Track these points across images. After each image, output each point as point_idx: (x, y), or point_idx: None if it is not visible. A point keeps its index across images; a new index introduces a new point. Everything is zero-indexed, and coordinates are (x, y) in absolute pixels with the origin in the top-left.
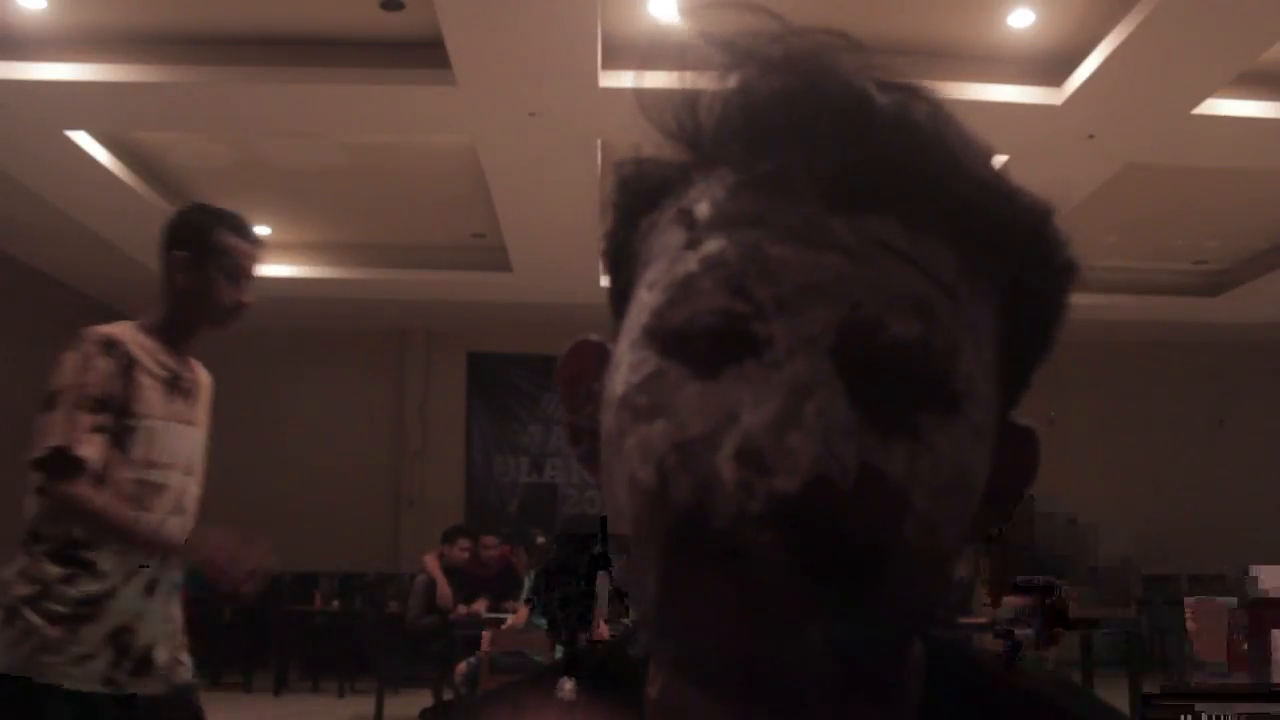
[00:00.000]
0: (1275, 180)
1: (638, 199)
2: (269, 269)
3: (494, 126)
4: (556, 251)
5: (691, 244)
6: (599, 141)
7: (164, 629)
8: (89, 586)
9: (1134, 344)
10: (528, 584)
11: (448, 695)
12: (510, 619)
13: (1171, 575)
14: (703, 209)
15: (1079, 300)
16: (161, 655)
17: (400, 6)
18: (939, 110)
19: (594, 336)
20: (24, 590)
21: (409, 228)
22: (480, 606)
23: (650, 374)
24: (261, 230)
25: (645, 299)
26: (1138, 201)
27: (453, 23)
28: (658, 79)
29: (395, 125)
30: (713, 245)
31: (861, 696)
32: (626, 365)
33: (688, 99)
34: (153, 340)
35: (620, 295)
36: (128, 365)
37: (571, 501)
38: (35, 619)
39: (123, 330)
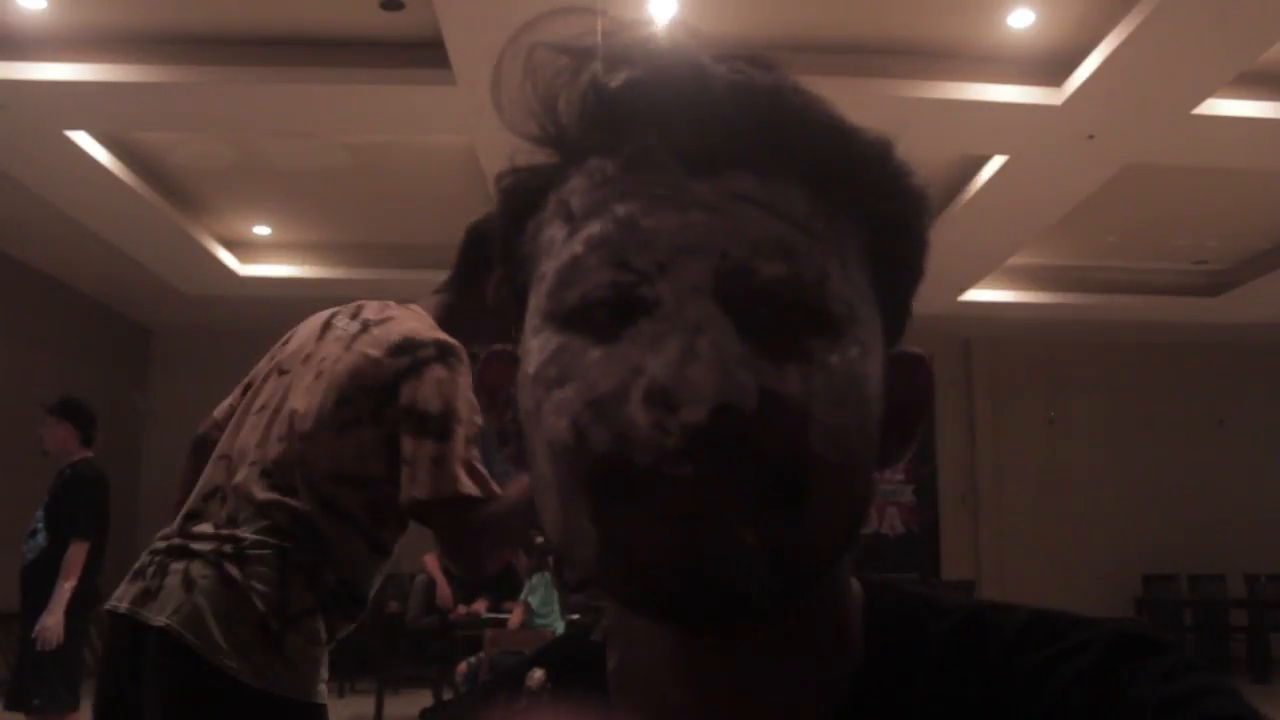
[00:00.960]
0: (1275, 180)
1: (520, 204)
2: (269, 269)
3: (494, 126)
4: None
5: (572, 232)
6: None
7: None
8: (346, 626)
9: (1134, 344)
10: (527, 585)
11: (448, 695)
12: (510, 619)
13: (1171, 575)
14: (577, 200)
15: (1079, 300)
16: None
17: (400, 6)
18: (776, 69)
19: (503, 347)
20: (307, 597)
21: (409, 228)
22: (480, 606)
23: (555, 349)
24: (262, 230)
25: (540, 289)
26: (1138, 201)
27: (452, 23)
28: (518, 91)
29: (395, 125)
30: (593, 227)
31: (802, 612)
32: (534, 349)
33: (546, 104)
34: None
35: (519, 297)
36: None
37: None
38: (317, 634)
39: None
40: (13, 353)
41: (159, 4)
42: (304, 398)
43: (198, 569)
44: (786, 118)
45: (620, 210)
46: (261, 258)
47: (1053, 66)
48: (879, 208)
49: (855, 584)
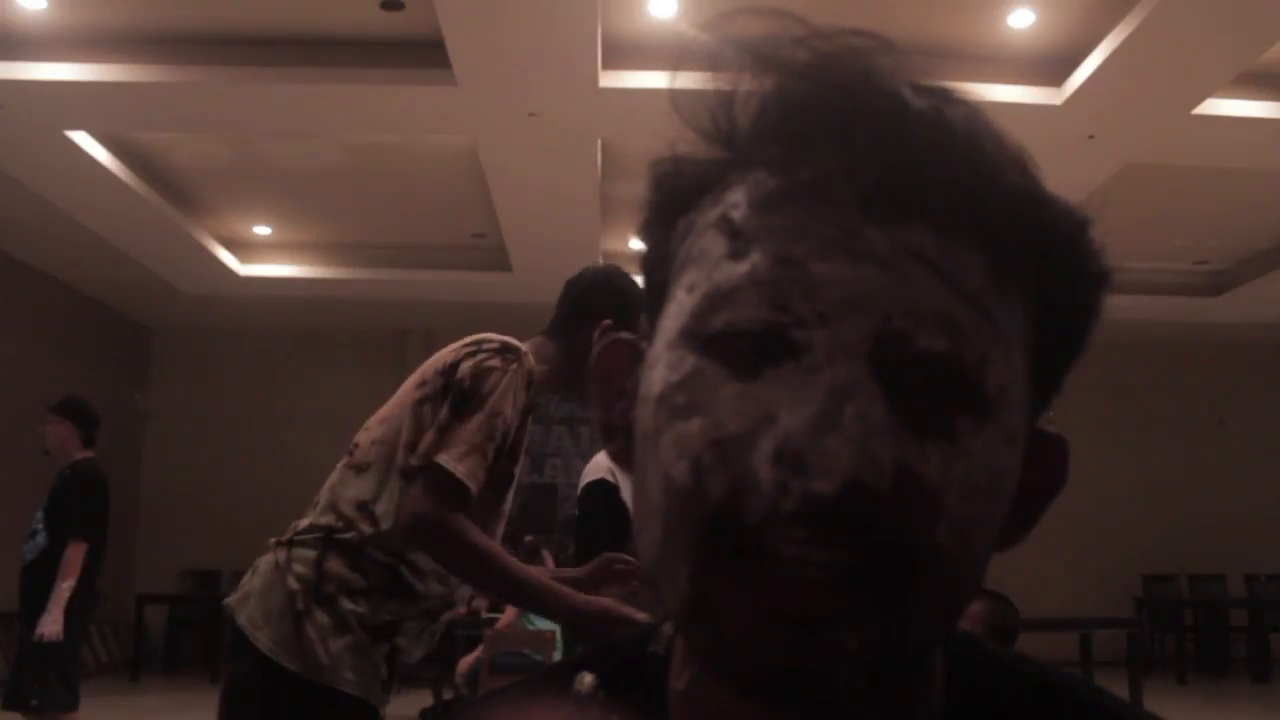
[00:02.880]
0: (1275, 180)
1: (674, 198)
2: (269, 269)
3: (494, 126)
4: (556, 251)
5: (734, 254)
6: (599, 141)
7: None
8: (401, 610)
9: (1134, 344)
10: None
11: (448, 695)
12: (501, 619)
13: (1171, 575)
14: (743, 215)
15: None
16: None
17: (400, 6)
18: (974, 115)
19: (626, 334)
20: (346, 579)
21: (409, 228)
22: (480, 606)
23: (688, 373)
24: (262, 230)
25: (684, 301)
26: (1138, 201)
27: (453, 23)
28: (661, 80)
29: (395, 125)
30: (756, 258)
31: (888, 697)
32: (664, 364)
33: (723, 99)
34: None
35: (656, 294)
36: (529, 407)
37: (571, 501)
38: (352, 616)
39: (532, 360)
40: (13, 353)
41: (159, 4)
42: (397, 395)
43: (265, 559)
44: (980, 174)
45: (787, 245)
46: (261, 258)
47: (1053, 66)
48: (1059, 288)
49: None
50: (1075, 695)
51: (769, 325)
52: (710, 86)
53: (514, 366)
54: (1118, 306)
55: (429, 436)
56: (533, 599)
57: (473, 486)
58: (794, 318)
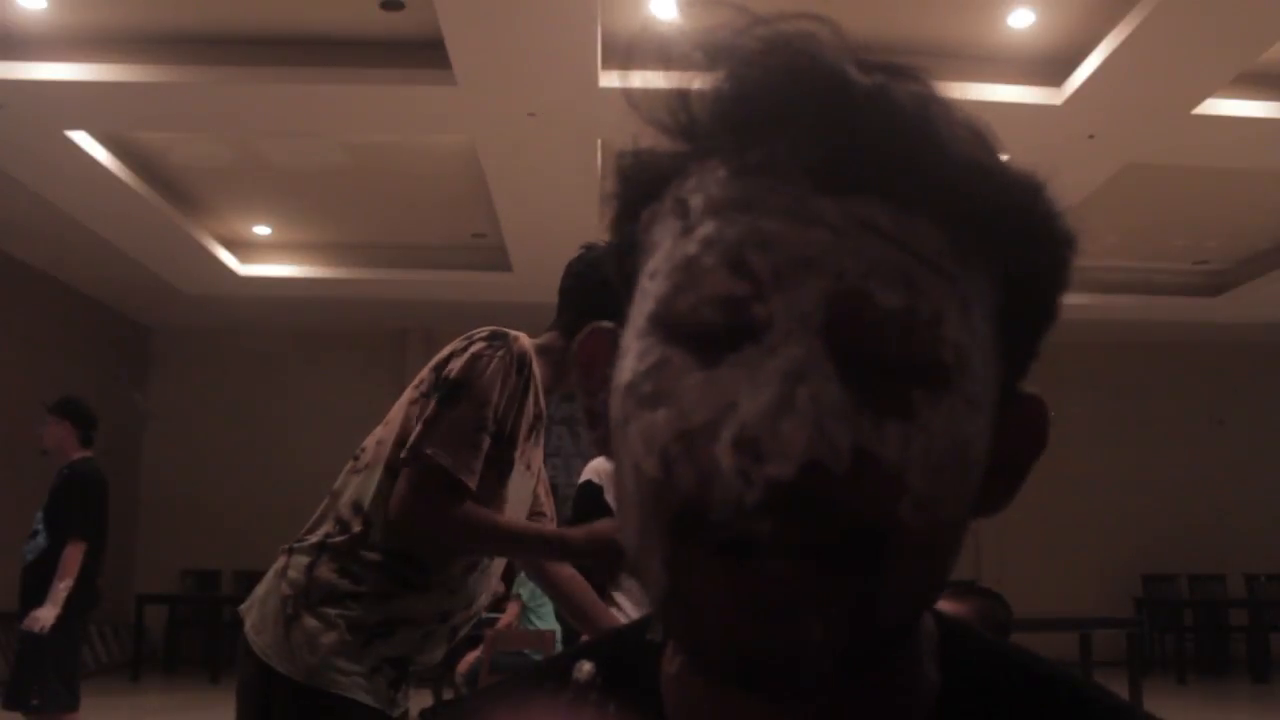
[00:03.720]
0: (1275, 180)
1: (638, 190)
2: (269, 269)
3: (494, 126)
4: (556, 251)
5: (687, 230)
6: (599, 141)
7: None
8: (404, 610)
9: (1134, 344)
10: (518, 579)
11: (448, 695)
12: (502, 618)
13: (1171, 575)
14: (697, 199)
15: (1079, 300)
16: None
17: (400, 6)
18: (923, 90)
19: (606, 323)
20: (336, 583)
21: (409, 228)
22: (481, 606)
23: (655, 362)
24: (262, 230)
25: (648, 287)
26: (1138, 201)
27: (453, 23)
28: (652, 78)
29: (395, 125)
30: (709, 226)
31: (867, 681)
32: (633, 353)
33: (680, 94)
34: (543, 370)
35: (626, 285)
36: (526, 389)
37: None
38: (340, 619)
39: (525, 343)
40: (13, 353)
41: (159, 4)
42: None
43: (274, 566)
44: (928, 146)
45: (739, 214)
46: (261, 258)
47: (1053, 66)
48: (1017, 255)
49: (929, 620)
50: (1071, 687)
51: (729, 301)
52: (668, 81)
53: (500, 352)
54: (1118, 306)
55: (417, 430)
56: (531, 547)
57: (467, 479)
58: (751, 279)
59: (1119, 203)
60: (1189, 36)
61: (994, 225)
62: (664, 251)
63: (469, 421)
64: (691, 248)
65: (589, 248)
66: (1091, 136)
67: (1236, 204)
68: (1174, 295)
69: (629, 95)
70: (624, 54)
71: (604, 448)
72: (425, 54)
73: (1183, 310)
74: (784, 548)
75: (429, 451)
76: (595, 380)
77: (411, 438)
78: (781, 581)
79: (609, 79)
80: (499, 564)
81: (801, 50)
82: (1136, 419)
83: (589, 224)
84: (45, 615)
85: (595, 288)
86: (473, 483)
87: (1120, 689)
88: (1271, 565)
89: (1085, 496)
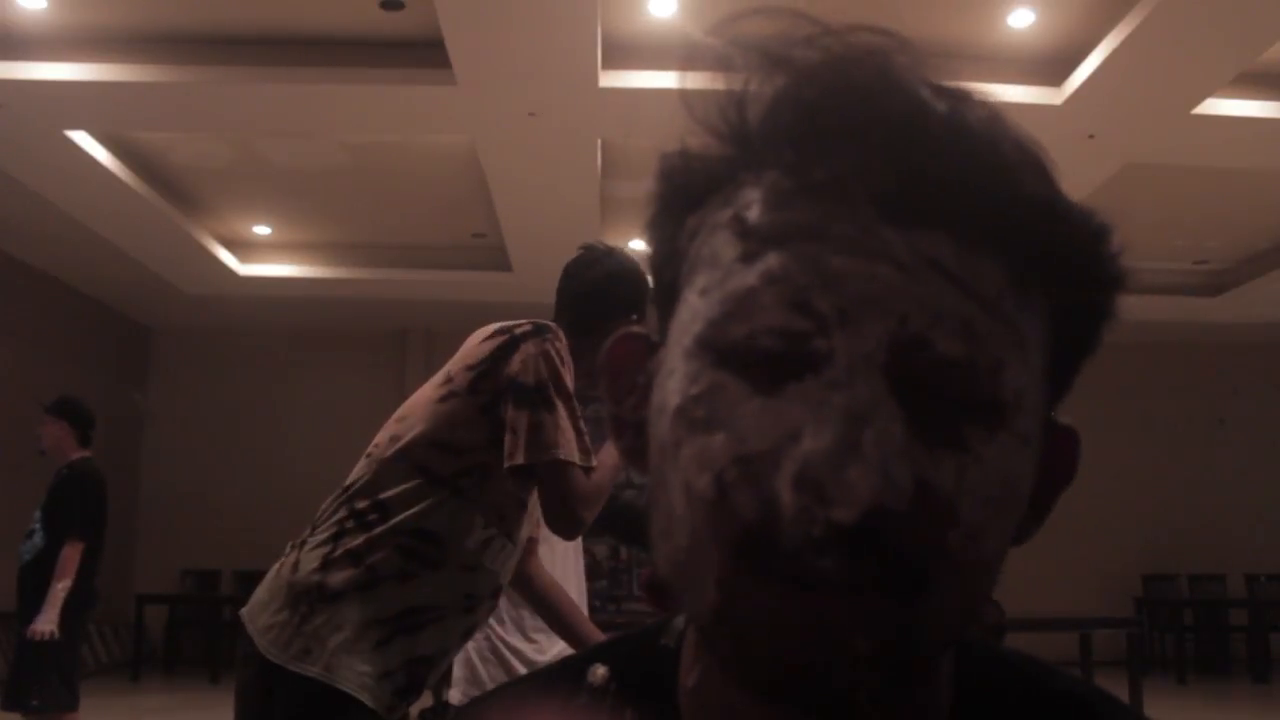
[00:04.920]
0: (1275, 180)
1: (684, 195)
2: (269, 269)
3: (494, 126)
4: (556, 251)
5: (747, 256)
6: (599, 141)
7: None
8: (421, 594)
9: (1134, 344)
10: None
11: (447, 695)
12: None
13: (1171, 575)
14: (757, 216)
15: None
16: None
17: (400, 6)
18: (995, 118)
19: (637, 329)
20: (349, 575)
21: (409, 228)
22: None
23: (708, 386)
24: (262, 230)
25: (698, 305)
26: (1138, 201)
27: (453, 23)
28: (662, 79)
29: (395, 125)
30: (772, 260)
31: (901, 700)
32: (681, 374)
33: (734, 97)
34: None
35: (665, 293)
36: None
37: None
38: (354, 616)
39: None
40: (13, 353)
41: (159, 4)
42: (418, 393)
43: (280, 563)
44: (999, 182)
45: (804, 245)
46: (261, 257)
47: (1053, 66)
48: (1074, 295)
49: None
50: (1083, 700)
51: (786, 336)
52: (719, 86)
53: (557, 343)
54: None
55: (522, 439)
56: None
57: (593, 463)
58: (814, 318)
59: (1119, 203)
60: (1189, 36)
61: (1057, 265)
62: (719, 274)
63: (570, 415)
64: (752, 279)
65: (588, 248)
66: (1091, 136)
67: (1236, 204)
68: (1174, 295)
69: (681, 94)
70: (650, 55)
71: (634, 459)
72: (425, 54)
73: (1183, 310)
74: (845, 584)
75: (561, 457)
76: (623, 388)
77: (521, 450)
78: (836, 607)
79: (609, 79)
80: (520, 541)
81: (873, 67)
82: (1136, 419)
83: (589, 224)
84: (44, 625)
85: (595, 289)
86: (594, 463)
87: (1120, 689)
88: (1271, 565)
89: (1085, 496)
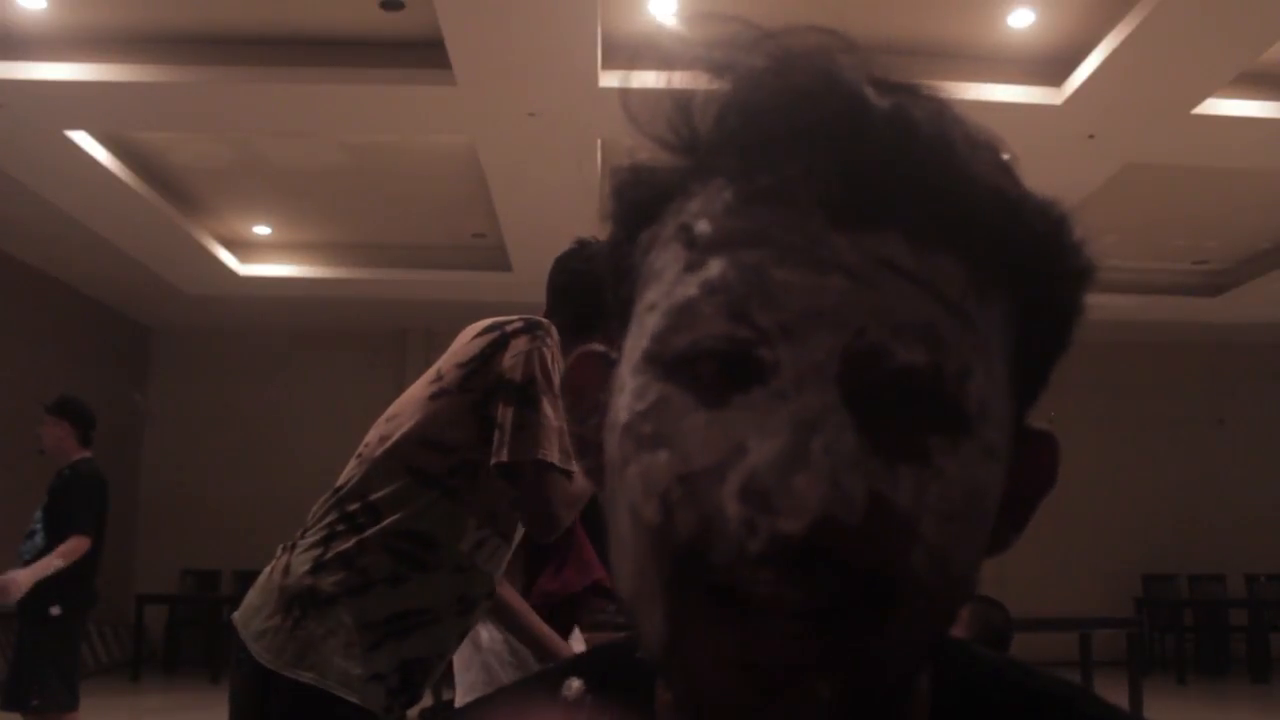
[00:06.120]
0: (1275, 180)
1: (636, 210)
2: (269, 269)
3: (494, 126)
4: (556, 251)
5: (691, 265)
6: (599, 141)
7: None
8: (414, 597)
9: (1134, 344)
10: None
11: (447, 695)
12: None
13: (1171, 575)
14: (702, 226)
15: None
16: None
17: (400, 6)
18: (942, 111)
19: (597, 346)
20: (341, 579)
21: (409, 228)
22: None
23: (654, 401)
24: (262, 230)
25: (646, 321)
26: (1138, 201)
27: (453, 23)
28: (650, 80)
29: (395, 125)
30: (714, 269)
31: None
32: (629, 391)
33: (680, 104)
34: None
35: (623, 308)
36: None
37: None
38: (346, 620)
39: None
40: (13, 353)
41: (159, 4)
42: (408, 392)
43: (272, 564)
44: (951, 175)
45: (747, 252)
46: (261, 258)
47: (1053, 66)
48: (1040, 286)
49: None
50: (1063, 701)
51: (731, 343)
52: (667, 93)
53: (549, 340)
54: (1118, 306)
55: (507, 438)
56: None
57: (574, 467)
58: (755, 331)
59: (1119, 203)
60: (1189, 36)
61: (1017, 258)
62: (664, 286)
63: (555, 417)
64: (693, 289)
65: (582, 243)
66: (1091, 136)
67: (1236, 204)
68: (1174, 295)
69: (626, 105)
70: (626, 60)
71: (596, 479)
72: (425, 54)
73: (1183, 310)
74: (790, 605)
75: (542, 457)
76: (585, 407)
77: (505, 447)
78: (783, 641)
79: (609, 79)
80: (513, 540)
81: (815, 68)
82: (1136, 419)
83: (589, 224)
84: (14, 576)
85: (591, 286)
86: (577, 467)
87: (1120, 689)
88: (1271, 565)
89: (1085, 496)
